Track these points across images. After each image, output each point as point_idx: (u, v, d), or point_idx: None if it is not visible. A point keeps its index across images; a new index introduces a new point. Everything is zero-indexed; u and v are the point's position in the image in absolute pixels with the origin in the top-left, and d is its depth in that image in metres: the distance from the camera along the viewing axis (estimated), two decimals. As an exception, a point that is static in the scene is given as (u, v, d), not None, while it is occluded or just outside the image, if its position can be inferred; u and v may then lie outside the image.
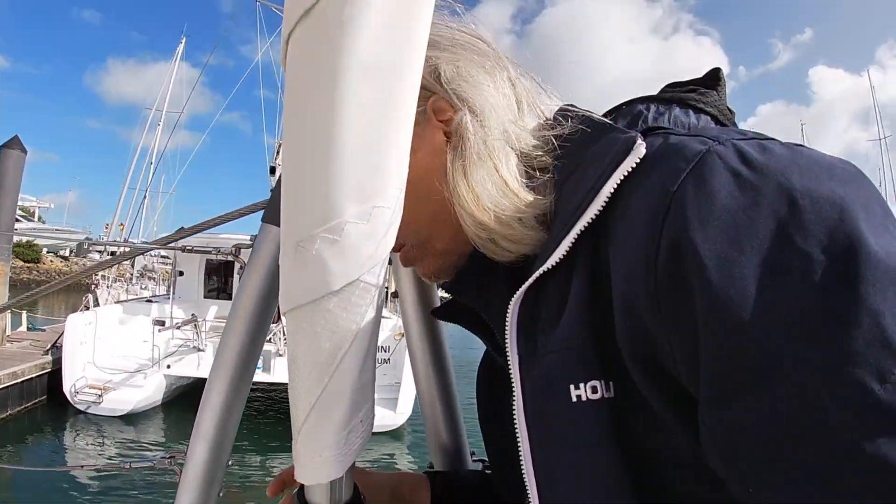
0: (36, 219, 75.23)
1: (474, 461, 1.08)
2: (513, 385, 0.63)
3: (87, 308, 14.22)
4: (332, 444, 0.57)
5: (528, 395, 0.62)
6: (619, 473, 0.56)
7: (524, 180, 0.70)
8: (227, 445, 0.98)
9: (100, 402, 11.63)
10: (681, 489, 0.56)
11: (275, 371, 12.97)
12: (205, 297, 14.86)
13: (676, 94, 0.73)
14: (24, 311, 18.42)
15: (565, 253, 0.60)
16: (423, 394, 0.97)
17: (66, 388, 11.79)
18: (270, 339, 13.78)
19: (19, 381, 11.99)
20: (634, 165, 0.57)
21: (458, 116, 0.73)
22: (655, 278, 0.51)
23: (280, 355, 13.04)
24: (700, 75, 0.77)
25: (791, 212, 0.47)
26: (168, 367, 12.32)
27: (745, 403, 0.46)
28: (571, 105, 0.78)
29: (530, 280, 0.62)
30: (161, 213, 45.27)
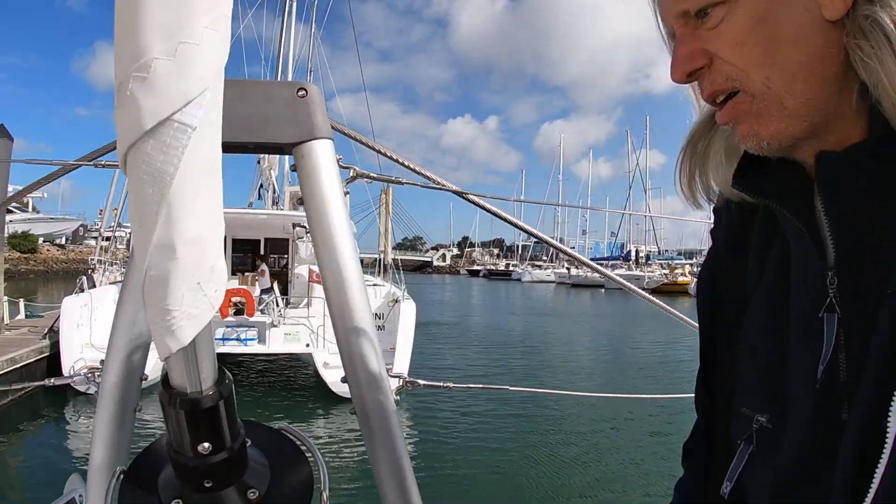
0: (30, 209, 75.31)
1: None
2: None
3: (82, 290, 14.27)
4: (170, 308, 0.57)
5: None
6: None
7: None
8: (141, 360, 0.99)
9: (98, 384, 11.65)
10: None
11: (270, 342, 13.15)
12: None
13: None
14: (22, 300, 18.52)
15: None
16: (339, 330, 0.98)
17: (65, 370, 11.85)
18: (264, 310, 13.93)
19: (18, 366, 12.09)
20: None
21: None
22: None
23: (275, 326, 13.22)
24: None
25: None
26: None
27: None
28: None
29: None
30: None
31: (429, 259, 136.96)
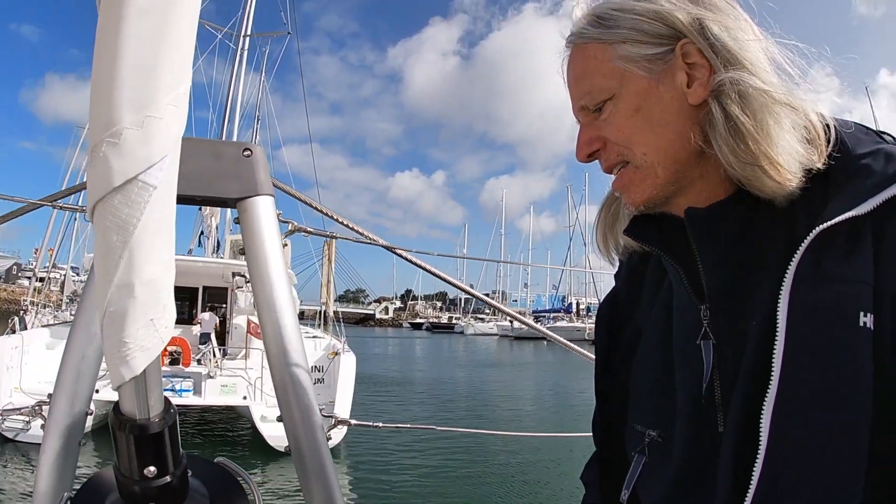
0: (-41, 248, 72.79)
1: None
2: (779, 301, 0.76)
3: (14, 332, 13.78)
4: (126, 341, 0.64)
5: (801, 312, 0.75)
6: (868, 403, 0.70)
7: (802, 134, 0.83)
8: (88, 394, 1.05)
9: (27, 430, 11.23)
10: None
11: (206, 393, 12.79)
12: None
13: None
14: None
15: (878, 205, 0.74)
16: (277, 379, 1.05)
17: (-7, 415, 11.38)
18: (200, 360, 13.63)
19: (-61, 411, 11.51)
20: None
21: (728, 73, 0.83)
22: None
23: (211, 377, 12.88)
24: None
25: None
26: (97, 391, 11.96)
27: None
28: None
29: (845, 216, 0.75)
30: (89, 236, 44.11)
31: (371, 312, 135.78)
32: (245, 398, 13.00)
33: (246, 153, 1.06)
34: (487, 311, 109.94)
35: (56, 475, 1.02)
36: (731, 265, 0.87)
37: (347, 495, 9.89)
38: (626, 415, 1.03)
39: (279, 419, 1.06)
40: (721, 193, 0.89)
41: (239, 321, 16.43)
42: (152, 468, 0.78)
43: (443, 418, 17.47)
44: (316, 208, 2.16)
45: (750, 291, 0.83)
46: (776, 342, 0.75)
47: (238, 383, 13.08)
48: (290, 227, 2.14)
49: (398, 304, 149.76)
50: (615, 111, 0.90)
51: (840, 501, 0.70)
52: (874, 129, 0.87)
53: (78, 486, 0.93)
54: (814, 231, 0.76)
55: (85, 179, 0.62)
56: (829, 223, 0.75)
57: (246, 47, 25.12)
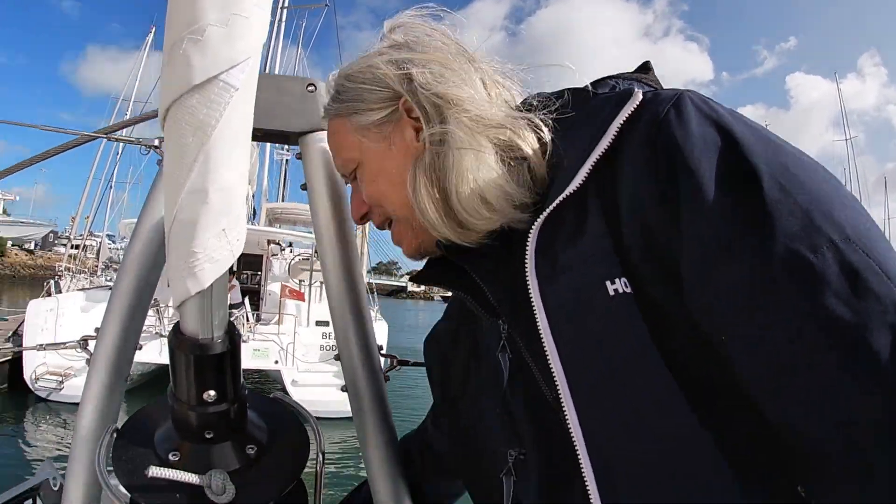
0: (0, 211, 74.35)
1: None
2: (533, 307, 0.76)
3: (49, 294, 14.02)
4: (195, 251, 0.62)
5: (555, 307, 0.75)
6: (659, 365, 0.68)
7: (505, 173, 0.84)
8: (138, 327, 1.04)
9: (60, 389, 11.47)
10: (693, 365, 0.68)
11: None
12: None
13: (633, 75, 0.89)
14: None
15: (581, 181, 0.75)
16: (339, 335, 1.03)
17: (27, 375, 11.65)
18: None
19: (-22, 369, 11.84)
20: (636, 106, 0.74)
21: (425, 129, 0.86)
22: (657, 176, 0.69)
23: (244, 341, 12.96)
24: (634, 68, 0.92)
25: (733, 140, 0.67)
26: (140, 346, 12.14)
27: (721, 269, 0.63)
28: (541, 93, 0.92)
29: (549, 209, 0.76)
30: (125, 204, 44.99)
31: (403, 284, 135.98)
32: (276, 362, 13.19)
33: (310, 88, 1.04)
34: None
35: (100, 410, 1.01)
36: (504, 280, 0.86)
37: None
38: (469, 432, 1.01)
39: (336, 358, 1.04)
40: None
41: (273, 288, 16.57)
42: (212, 392, 0.76)
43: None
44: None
45: (522, 302, 0.80)
46: (546, 351, 0.74)
47: (270, 348, 13.25)
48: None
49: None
50: (363, 178, 0.95)
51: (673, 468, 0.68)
52: (606, 79, 0.89)
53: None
54: (531, 234, 0.77)
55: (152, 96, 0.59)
56: (540, 221, 0.77)
57: (283, 19, 25.12)
